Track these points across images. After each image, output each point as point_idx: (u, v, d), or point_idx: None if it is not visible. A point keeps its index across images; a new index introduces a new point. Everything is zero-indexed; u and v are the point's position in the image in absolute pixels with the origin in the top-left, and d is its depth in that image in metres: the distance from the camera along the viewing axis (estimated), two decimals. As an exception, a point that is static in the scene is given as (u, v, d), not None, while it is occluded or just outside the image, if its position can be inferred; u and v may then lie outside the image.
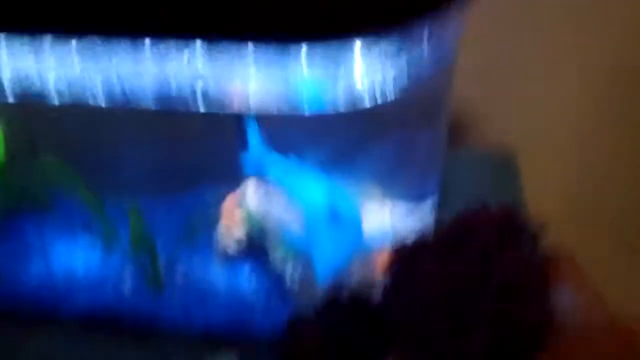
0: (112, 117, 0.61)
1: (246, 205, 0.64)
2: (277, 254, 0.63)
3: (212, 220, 0.65)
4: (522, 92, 0.91)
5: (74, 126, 0.69)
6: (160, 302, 0.64)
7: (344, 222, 0.62)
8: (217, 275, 0.67)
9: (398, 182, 0.66)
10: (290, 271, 0.63)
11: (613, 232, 0.97)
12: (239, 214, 0.64)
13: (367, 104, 0.52)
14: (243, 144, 0.66)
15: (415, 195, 0.67)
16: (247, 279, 0.66)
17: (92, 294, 0.66)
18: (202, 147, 0.67)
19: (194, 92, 0.52)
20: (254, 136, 0.66)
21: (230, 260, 0.67)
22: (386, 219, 0.66)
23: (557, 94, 0.91)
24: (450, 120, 0.80)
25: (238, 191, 0.65)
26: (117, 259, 0.65)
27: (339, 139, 0.62)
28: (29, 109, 0.63)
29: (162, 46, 0.50)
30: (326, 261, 0.60)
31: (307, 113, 0.52)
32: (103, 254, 0.67)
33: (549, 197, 0.85)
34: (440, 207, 0.76)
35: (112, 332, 0.64)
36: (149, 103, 0.52)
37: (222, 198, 0.66)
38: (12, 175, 0.64)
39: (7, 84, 0.53)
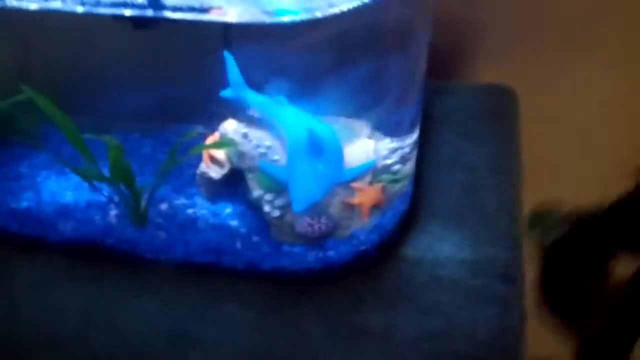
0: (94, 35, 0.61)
1: (227, 141, 0.64)
2: (256, 188, 0.63)
3: (191, 155, 0.65)
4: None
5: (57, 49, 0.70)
6: (143, 232, 0.66)
7: (323, 152, 0.62)
8: (198, 208, 0.68)
9: (374, 111, 0.65)
10: (270, 204, 0.63)
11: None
12: (221, 152, 0.65)
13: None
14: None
15: (393, 126, 0.66)
16: (227, 212, 0.67)
17: (77, 223, 0.67)
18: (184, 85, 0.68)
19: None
20: (233, 71, 0.66)
21: (210, 193, 0.68)
22: (366, 150, 0.66)
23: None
24: (444, 52, 0.79)
25: (219, 128, 0.65)
26: (101, 190, 0.66)
27: (311, 67, 0.61)
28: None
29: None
30: (304, 192, 0.61)
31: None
32: (87, 185, 0.69)
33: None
34: (428, 136, 0.76)
35: (95, 260, 0.66)
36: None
37: (204, 134, 0.66)
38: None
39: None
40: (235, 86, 0.66)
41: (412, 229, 0.67)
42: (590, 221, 0.54)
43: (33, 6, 0.52)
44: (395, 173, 0.68)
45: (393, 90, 0.67)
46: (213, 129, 0.66)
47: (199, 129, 0.66)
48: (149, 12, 0.52)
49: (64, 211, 0.68)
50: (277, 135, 0.65)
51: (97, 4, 0.49)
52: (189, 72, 0.70)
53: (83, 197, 0.69)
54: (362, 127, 0.70)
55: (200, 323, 0.60)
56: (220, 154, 0.64)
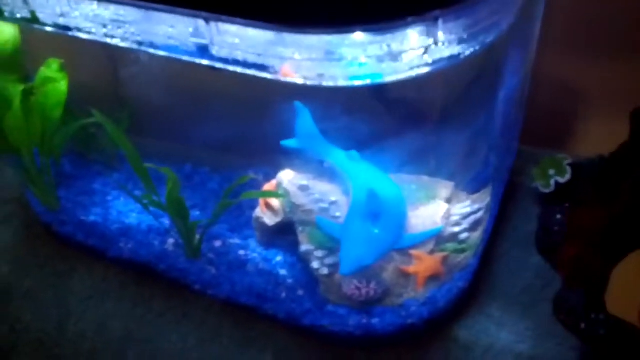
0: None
1: (283, 191, 0.62)
2: (305, 242, 0.61)
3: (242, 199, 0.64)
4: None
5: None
6: (194, 264, 0.65)
7: (384, 215, 0.59)
8: (250, 251, 0.67)
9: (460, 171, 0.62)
10: (319, 260, 0.61)
11: None
12: (276, 200, 0.63)
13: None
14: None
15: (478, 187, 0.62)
16: (278, 260, 0.65)
17: (136, 244, 0.68)
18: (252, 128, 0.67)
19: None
20: (305, 120, 0.64)
21: (265, 238, 0.66)
22: (434, 215, 0.61)
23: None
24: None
25: (277, 177, 0.64)
26: (159, 218, 0.67)
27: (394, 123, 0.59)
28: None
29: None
30: (354, 255, 0.57)
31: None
32: (147, 213, 0.70)
33: None
34: (509, 206, 0.70)
35: (146, 283, 0.67)
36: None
37: (263, 179, 0.65)
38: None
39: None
40: (306, 136, 0.63)
41: (470, 308, 0.61)
42: (591, 167, 0.54)
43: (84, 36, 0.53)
44: (462, 242, 0.63)
45: (480, 151, 0.63)
46: (272, 177, 0.65)
47: (252, 175, 0.65)
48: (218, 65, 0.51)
49: (127, 231, 0.70)
50: (344, 191, 0.62)
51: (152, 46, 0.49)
52: (260, 116, 0.69)
53: (146, 221, 0.70)
54: (444, 187, 0.66)
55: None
56: (275, 202, 0.63)
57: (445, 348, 0.59)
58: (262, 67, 0.46)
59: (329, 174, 0.63)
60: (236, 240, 0.67)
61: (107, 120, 0.60)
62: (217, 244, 0.67)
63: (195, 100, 0.72)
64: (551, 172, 0.56)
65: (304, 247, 0.61)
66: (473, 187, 0.64)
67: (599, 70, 0.77)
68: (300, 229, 0.61)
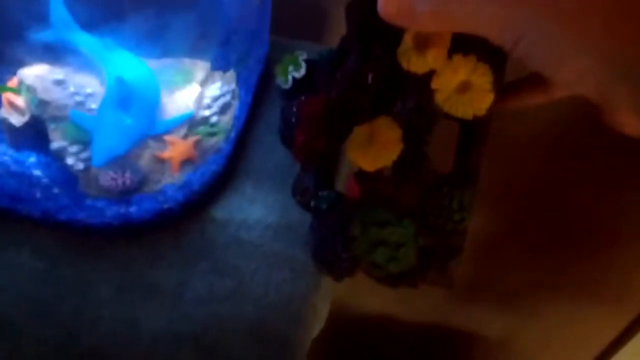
0: None
1: (26, 88, 0.60)
2: (59, 139, 0.61)
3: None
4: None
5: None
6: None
7: (135, 102, 0.60)
8: (8, 153, 0.65)
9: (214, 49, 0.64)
10: (74, 156, 0.61)
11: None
12: (20, 98, 0.61)
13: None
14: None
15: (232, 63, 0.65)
16: (31, 161, 0.64)
17: None
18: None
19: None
20: (58, 10, 0.62)
21: (15, 140, 0.65)
22: (187, 99, 0.64)
23: None
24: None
25: (17, 73, 0.62)
26: None
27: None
28: None
29: None
30: (105, 146, 0.59)
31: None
32: None
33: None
34: (264, 96, 0.74)
35: None
36: None
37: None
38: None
39: None
40: (61, 27, 0.62)
41: (225, 189, 0.66)
42: (323, 61, 0.57)
43: None
44: (212, 126, 0.66)
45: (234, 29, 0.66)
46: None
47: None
48: None
49: None
50: (102, 81, 0.62)
51: None
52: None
53: None
54: (201, 69, 0.68)
55: (-15, 269, 0.58)
56: (19, 100, 0.61)
57: (202, 228, 0.63)
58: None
59: (86, 64, 0.63)
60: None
61: None
62: (-40, 148, 0.64)
63: None
64: (290, 68, 0.59)
65: (56, 144, 0.61)
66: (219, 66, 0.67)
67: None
68: (52, 126, 0.61)
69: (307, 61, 0.58)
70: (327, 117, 0.53)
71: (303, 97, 0.56)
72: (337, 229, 0.53)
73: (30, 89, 0.60)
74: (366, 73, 0.48)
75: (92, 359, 0.55)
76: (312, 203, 0.56)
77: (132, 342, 0.55)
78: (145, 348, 0.55)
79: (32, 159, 0.64)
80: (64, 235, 0.61)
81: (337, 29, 0.91)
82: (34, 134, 0.62)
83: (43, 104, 0.60)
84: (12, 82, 0.61)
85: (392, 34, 0.46)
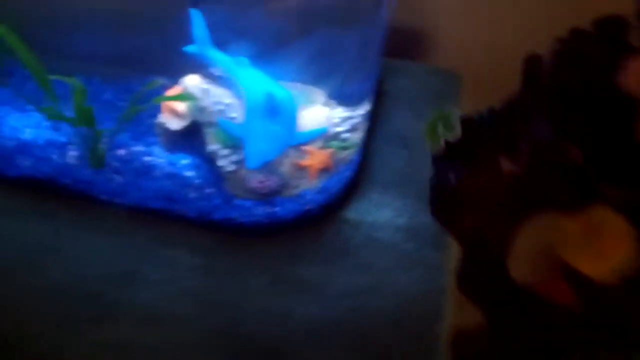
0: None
1: (187, 95, 0.67)
2: (213, 142, 0.67)
3: (152, 105, 0.68)
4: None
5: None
6: (99, 174, 0.69)
7: (280, 114, 0.66)
8: (155, 157, 0.71)
9: (330, 81, 0.70)
10: (225, 158, 0.67)
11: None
12: (181, 104, 0.68)
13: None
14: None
15: (347, 96, 0.71)
16: (183, 163, 0.70)
17: (36, 160, 0.69)
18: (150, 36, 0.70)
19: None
20: (198, 28, 0.69)
21: (169, 144, 0.71)
22: (319, 117, 0.70)
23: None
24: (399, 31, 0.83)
25: (181, 82, 0.68)
26: (62, 131, 0.69)
27: (275, 32, 0.65)
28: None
29: None
30: (258, 151, 0.65)
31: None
32: (47, 124, 0.71)
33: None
34: (379, 110, 0.80)
35: (51, 198, 0.68)
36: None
37: (165, 85, 0.69)
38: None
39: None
40: (200, 43, 0.69)
41: (355, 194, 0.72)
42: (481, 121, 0.49)
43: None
44: (344, 141, 0.72)
45: (350, 62, 0.72)
46: (174, 82, 0.69)
47: (161, 80, 0.69)
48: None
49: (24, 148, 0.70)
50: (236, 94, 0.69)
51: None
52: (156, 24, 0.72)
53: (43, 136, 0.71)
54: (318, 94, 0.74)
55: (149, 264, 0.64)
56: (181, 106, 0.68)
57: (338, 228, 0.69)
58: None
59: (219, 78, 0.69)
60: (140, 148, 0.71)
61: (9, 32, 0.60)
62: (121, 152, 0.70)
63: (83, 11, 0.73)
64: (440, 129, 0.51)
65: (211, 147, 0.67)
66: (355, 99, 0.73)
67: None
68: (206, 130, 0.67)
69: (462, 120, 0.50)
70: (509, 198, 0.43)
71: (465, 170, 0.47)
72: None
73: (193, 96, 0.66)
74: (567, 147, 0.39)
75: (251, 344, 0.60)
76: (486, 296, 0.47)
77: (288, 329, 0.61)
78: (300, 334, 0.61)
79: (185, 161, 0.71)
80: (217, 233, 0.67)
81: (434, 49, 0.97)
82: (189, 137, 0.69)
83: (201, 109, 0.67)
84: (174, 91, 0.68)
85: (601, 99, 0.37)
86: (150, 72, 0.73)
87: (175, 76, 0.69)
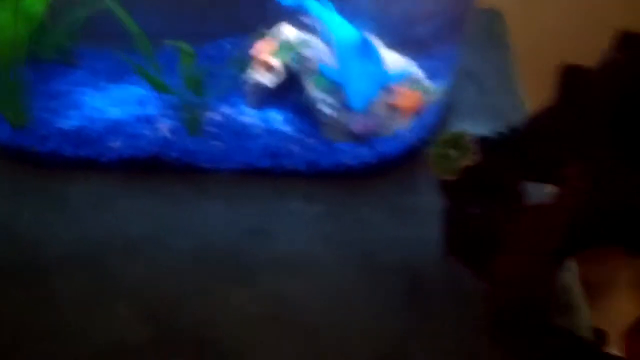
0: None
1: (282, 42, 0.67)
2: (314, 89, 0.68)
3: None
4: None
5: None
6: (202, 143, 0.68)
7: (371, 58, 0.68)
8: (247, 116, 0.71)
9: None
10: (326, 104, 0.68)
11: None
12: (271, 55, 0.68)
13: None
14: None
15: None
16: (276, 118, 0.71)
17: (128, 138, 0.68)
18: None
19: None
20: None
21: (257, 102, 0.71)
22: (396, 62, 0.72)
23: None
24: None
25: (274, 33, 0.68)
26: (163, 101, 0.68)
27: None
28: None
29: None
30: (362, 91, 0.66)
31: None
32: (128, 99, 0.70)
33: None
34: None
35: (155, 174, 0.68)
36: None
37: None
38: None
39: None
40: None
41: (446, 128, 0.74)
42: (503, 142, 0.42)
43: None
44: (426, 85, 0.74)
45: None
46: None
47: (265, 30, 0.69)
48: None
49: (115, 127, 0.69)
50: (324, 39, 0.70)
51: None
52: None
53: (128, 111, 0.70)
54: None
55: (273, 220, 0.65)
56: (276, 61, 0.68)
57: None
58: None
59: (309, 26, 0.70)
60: (228, 109, 0.71)
61: (115, 4, 0.59)
62: (216, 117, 0.70)
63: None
64: (452, 153, 0.43)
65: (313, 94, 0.68)
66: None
67: None
68: (307, 79, 0.68)
69: (479, 141, 0.42)
70: (560, 238, 0.36)
71: (489, 201, 0.40)
72: None
73: (291, 46, 0.67)
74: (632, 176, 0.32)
75: (390, 271, 0.62)
76: (528, 346, 0.39)
77: (422, 253, 0.63)
78: (432, 257, 0.62)
79: (277, 115, 0.71)
80: (329, 179, 0.68)
81: None
82: (277, 92, 0.69)
83: (301, 59, 0.68)
84: (267, 43, 0.68)
85: None
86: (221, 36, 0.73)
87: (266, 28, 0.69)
